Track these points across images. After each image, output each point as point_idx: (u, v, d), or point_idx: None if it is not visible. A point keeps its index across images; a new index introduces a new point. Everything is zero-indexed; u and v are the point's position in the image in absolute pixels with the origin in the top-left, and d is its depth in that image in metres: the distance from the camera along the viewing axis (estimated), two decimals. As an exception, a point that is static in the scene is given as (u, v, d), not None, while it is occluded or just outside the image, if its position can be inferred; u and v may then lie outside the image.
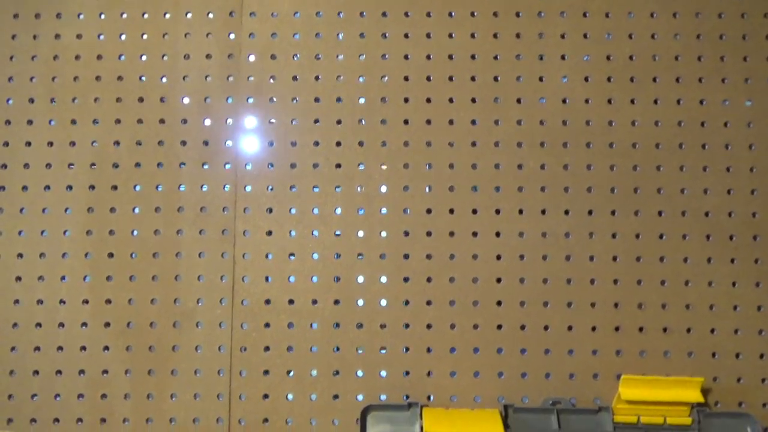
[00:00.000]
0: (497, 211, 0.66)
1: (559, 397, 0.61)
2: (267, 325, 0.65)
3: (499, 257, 0.66)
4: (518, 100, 0.67)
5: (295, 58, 0.68)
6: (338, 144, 0.67)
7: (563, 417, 0.59)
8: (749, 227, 0.66)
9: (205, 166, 0.68)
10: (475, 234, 0.66)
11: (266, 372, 0.64)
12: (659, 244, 0.66)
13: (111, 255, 0.66)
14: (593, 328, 0.64)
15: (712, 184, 0.66)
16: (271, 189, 0.67)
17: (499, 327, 0.64)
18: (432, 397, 0.63)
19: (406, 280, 0.65)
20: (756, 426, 0.58)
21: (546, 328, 0.64)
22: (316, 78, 0.68)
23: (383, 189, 0.67)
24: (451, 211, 0.66)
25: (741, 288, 0.65)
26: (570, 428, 0.59)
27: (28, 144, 0.68)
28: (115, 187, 0.67)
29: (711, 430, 0.59)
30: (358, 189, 0.67)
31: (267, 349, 0.64)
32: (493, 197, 0.67)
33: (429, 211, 0.67)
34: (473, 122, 0.67)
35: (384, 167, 0.67)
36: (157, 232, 0.67)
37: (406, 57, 0.68)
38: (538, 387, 0.63)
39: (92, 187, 0.67)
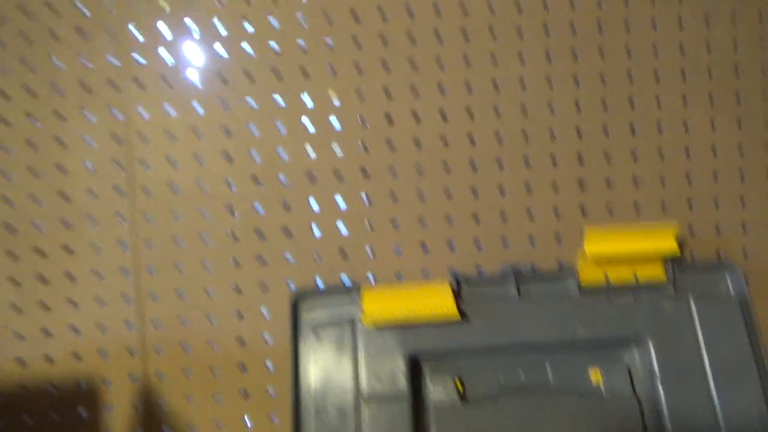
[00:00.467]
0: (438, 60, 0.56)
1: (518, 264, 0.54)
2: (175, 214, 0.55)
3: (443, 114, 0.56)
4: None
5: None
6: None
7: (523, 286, 0.52)
8: (729, 60, 0.57)
9: (85, 36, 0.55)
10: (414, 90, 0.56)
11: (178, 265, 0.55)
12: (627, 86, 0.56)
13: (-22, 147, 0.55)
14: (554, 185, 0.56)
15: (686, 14, 0.57)
16: (169, 60, 0.55)
17: (447, 193, 0.56)
18: (375, 278, 0.55)
19: (336, 150, 0.56)
20: (737, 274, 0.52)
21: (501, 189, 0.56)
22: None
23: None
24: (385, 65, 0.56)
25: (720, 128, 0.57)
26: (531, 296, 0.51)
27: None
28: (-26, 68, 0.55)
29: (687, 285, 0.52)
30: (275, 48, 0.56)
31: (177, 239, 0.55)
32: (434, 46, 0.56)
33: (360, 70, 0.56)
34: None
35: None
36: (32, 118, 0.55)
37: None
38: (494, 256, 0.55)
39: (-53, 69, 0.55)
